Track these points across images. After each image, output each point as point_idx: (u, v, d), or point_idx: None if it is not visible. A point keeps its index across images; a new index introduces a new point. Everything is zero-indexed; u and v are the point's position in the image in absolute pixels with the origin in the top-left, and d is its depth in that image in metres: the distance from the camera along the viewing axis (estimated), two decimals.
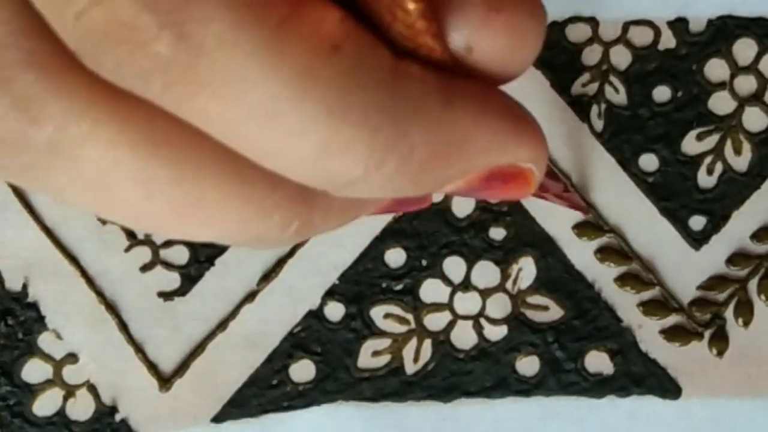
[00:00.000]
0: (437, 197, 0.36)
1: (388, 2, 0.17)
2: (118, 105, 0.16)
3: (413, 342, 0.36)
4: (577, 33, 0.36)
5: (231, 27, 0.15)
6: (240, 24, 0.15)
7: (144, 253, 0.36)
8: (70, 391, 0.35)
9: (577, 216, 0.36)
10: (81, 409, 0.35)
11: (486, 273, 0.36)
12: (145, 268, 0.36)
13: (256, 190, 0.17)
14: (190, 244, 0.36)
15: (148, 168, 0.17)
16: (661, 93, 0.36)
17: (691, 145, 0.36)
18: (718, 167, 0.36)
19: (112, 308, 0.35)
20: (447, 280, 0.36)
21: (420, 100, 0.17)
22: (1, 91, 0.16)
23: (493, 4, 0.18)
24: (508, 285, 0.36)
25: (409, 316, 0.36)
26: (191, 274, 0.36)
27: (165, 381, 0.35)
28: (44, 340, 0.35)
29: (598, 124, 0.36)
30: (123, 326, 0.35)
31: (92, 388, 0.35)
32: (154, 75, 0.16)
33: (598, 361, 0.35)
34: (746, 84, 0.36)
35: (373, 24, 0.17)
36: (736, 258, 0.36)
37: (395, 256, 0.36)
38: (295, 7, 0.16)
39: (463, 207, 0.36)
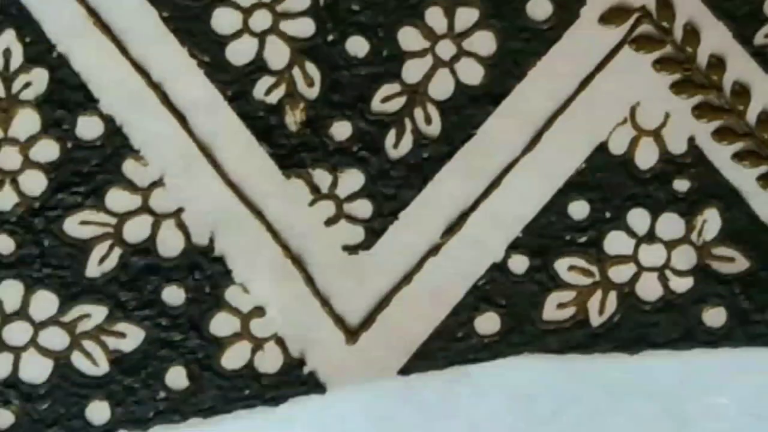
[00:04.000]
0: (620, 147, 0.36)
1: None
2: None
3: (598, 294, 0.36)
4: None
5: None
6: None
7: (328, 207, 0.36)
8: (258, 344, 0.35)
9: (762, 168, 0.36)
10: (269, 361, 0.36)
11: (670, 225, 0.36)
12: (329, 222, 0.36)
13: None
14: (373, 198, 0.36)
15: None
16: None
17: None
18: None
19: (297, 262, 0.36)
20: (631, 232, 0.36)
21: None
22: None
23: None
24: (693, 237, 0.36)
25: (594, 269, 0.36)
26: (375, 228, 0.36)
27: (352, 334, 0.36)
28: (231, 294, 0.36)
29: None
30: (309, 280, 0.36)
31: (280, 341, 0.35)
32: None
33: None
34: None
35: None
36: None
37: (579, 209, 0.36)
38: None
39: (646, 159, 0.36)
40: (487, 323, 0.36)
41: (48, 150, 0.35)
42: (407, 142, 0.36)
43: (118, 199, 0.36)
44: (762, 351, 0.35)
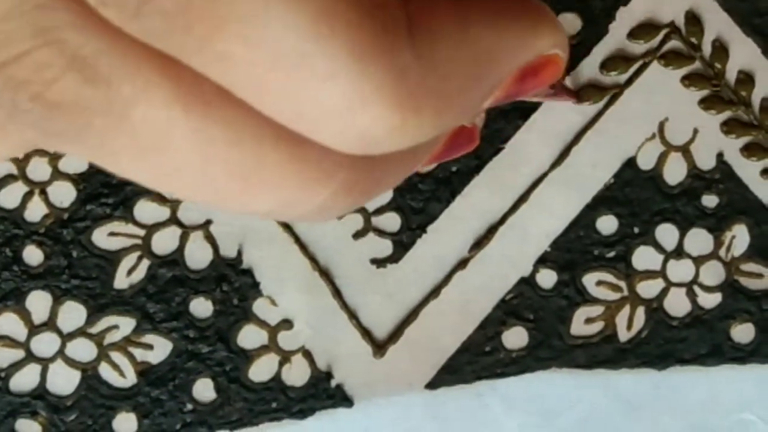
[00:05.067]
0: (649, 162, 0.36)
1: None
2: (169, 65, 0.16)
3: (626, 309, 0.36)
4: None
5: None
6: None
7: (356, 221, 0.36)
8: (285, 357, 0.35)
9: None
10: (297, 374, 0.35)
11: (699, 240, 0.36)
12: (357, 234, 0.36)
13: (315, 149, 0.17)
14: (401, 211, 0.36)
15: (204, 128, 0.16)
16: None
17: None
18: None
19: (325, 275, 0.36)
20: (660, 248, 0.36)
21: (437, 30, 0.17)
22: (57, 53, 0.16)
23: None
24: (722, 252, 0.36)
25: (622, 284, 0.36)
26: (403, 241, 0.36)
27: (379, 347, 0.35)
28: (259, 306, 0.36)
29: None
30: (337, 293, 0.36)
31: (307, 354, 0.35)
32: (176, 15, 0.15)
33: None
34: None
35: None
36: None
37: (607, 224, 0.36)
38: None
39: (674, 174, 0.36)
40: (515, 338, 0.36)
41: (77, 161, 0.35)
42: None
43: (146, 210, 0.36)
44: None
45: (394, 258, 0.36)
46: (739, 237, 0.36)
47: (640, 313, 0.36)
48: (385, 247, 0.36)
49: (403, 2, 0.17)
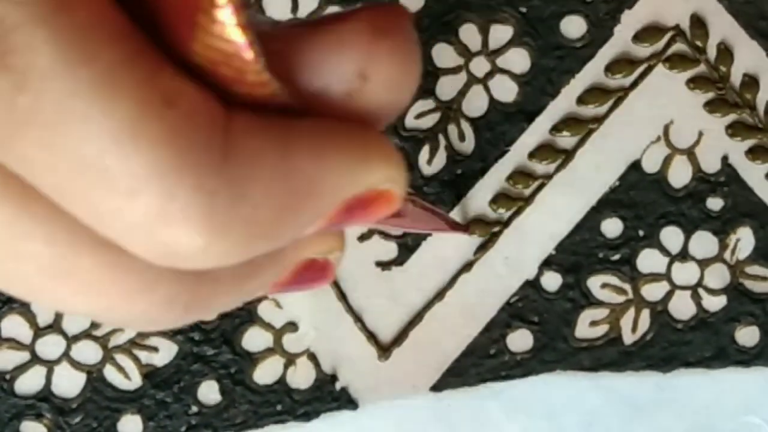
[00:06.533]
0: (654, 165, 0.36)
1: (214, 52, 0.15)
2: None
3: (631, 312, 0.36)
4: None
5: (56, 61, 0.14)
6: (67, 59, 0.14)
7: None
8: (290, 360, 0.35)
9: None
10: (301, 377, 0.36)
11: (704, 243, 0.36)
12: (362, 237, 0.36)
13: (137, 260, 0.16)
14: None
15: (17, 222, 0.16)
16: None
17: None
18: None
19: None
20: (664, 250, 0.36)
21: (255, 156, 0.16)
22: None
23: (378, 27, 0.17)
24: (726, 255, 0.36)
25: (627, 286, 0.36)
26: (408, 244, 0.36)
27: (384, 350, 0.36)
28: (264, 309, 0.36)
29: None
30: (342, 295, 0.36)
31: (312, 357, 0.36)
32: None
33: None
34: None
35: (200, 75, 0.16)
36: None
37: (612, 226, 0.36)
38: (130, 53, 0.15)
39: (679, 177, 0.36)
40: (520, 340, 0.36)
41: None
42: (441, 159, 0.36)
43: None
44: None
45: (399, 261, 0.36)
46: (744, 240, 0.36)
47: (645, 315, 0.36)
48: (390, 250, 0.36)
49: (227, 119, 0.16)
